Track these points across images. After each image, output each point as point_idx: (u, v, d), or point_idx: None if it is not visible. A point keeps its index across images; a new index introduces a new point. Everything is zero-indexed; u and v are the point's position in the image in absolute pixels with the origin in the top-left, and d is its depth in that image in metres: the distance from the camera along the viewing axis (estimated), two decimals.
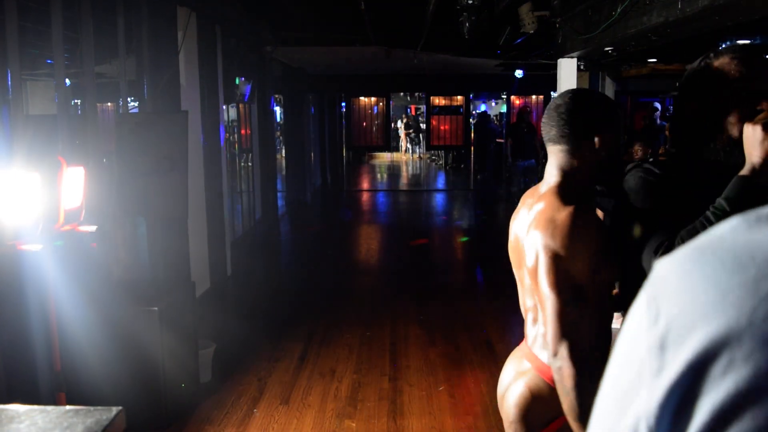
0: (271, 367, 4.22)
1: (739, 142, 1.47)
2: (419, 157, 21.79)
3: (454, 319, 5.18)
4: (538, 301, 1.59)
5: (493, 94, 21.01)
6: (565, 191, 1.61)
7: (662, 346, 0.44)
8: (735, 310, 0.42)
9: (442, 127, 15.12)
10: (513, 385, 1.74)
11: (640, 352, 0.45)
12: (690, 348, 0.42)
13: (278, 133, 13.17)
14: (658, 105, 13.19)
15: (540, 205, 1.60)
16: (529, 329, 1.72)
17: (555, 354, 1.49)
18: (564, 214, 1.53)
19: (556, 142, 1.65)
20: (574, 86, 6.20)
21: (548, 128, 1.66)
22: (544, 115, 1.68)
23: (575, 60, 6.10)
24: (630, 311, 0.48)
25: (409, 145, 22.61)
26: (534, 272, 1.56)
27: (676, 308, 0.44)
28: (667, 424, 0.43)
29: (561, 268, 1.51)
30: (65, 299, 2.98)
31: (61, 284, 2.92)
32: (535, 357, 1.69)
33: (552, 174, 1.67)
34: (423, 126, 19.22)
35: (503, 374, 1.82)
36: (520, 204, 1.78)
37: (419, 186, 15.67)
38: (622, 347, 0.48)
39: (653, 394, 0.43)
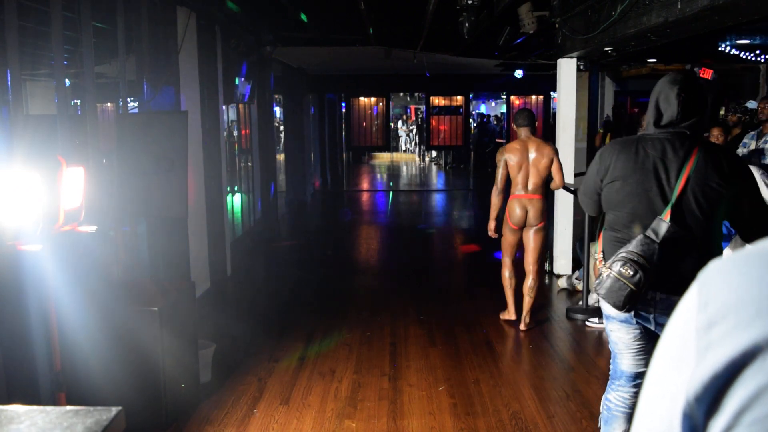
0: (271, 367, 4.22)
1: None
2: (419, 156, 21.82)
3: (454, 319, 5.18)
4: (548, 175, 4.70)
5: (492, 94, 21.01)
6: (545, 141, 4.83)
7: (709, 328, 0.48)
8: None
9: (441, 127, 15.12)
10: (534, 203, 4.64)
11: (689, 331, 0.50)
12: (736, 335, 0.46)
13: (278, 134, 13.16)
14: None
15: (544, 145, 4.69)
16: (533, 187, 4.64)
17: (561, 187, 4.83)
18: (551, 147, 4.76)
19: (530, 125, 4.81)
20: (574, 86, 6.22)
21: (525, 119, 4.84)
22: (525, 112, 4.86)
23: (575, 60, 6.10)
24: (684, 296, 0.54)
25: (410, 146, 22.64)
26: (548, 165, 4.65)
27: (723, 295, 0.49)
28: (707, 402, 0.47)
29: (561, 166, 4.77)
30: (65, 299, 2.98)
31: (61, 284, 2.92)
32: (539, 196, 4.66)
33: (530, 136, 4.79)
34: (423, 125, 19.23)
35: (519, 208, 4.66)
36: (517, 147, 4.70)
37: (419, 186, 15.67)
38: (674, 326, 0.53)
39: (698, 373, 0.47)
